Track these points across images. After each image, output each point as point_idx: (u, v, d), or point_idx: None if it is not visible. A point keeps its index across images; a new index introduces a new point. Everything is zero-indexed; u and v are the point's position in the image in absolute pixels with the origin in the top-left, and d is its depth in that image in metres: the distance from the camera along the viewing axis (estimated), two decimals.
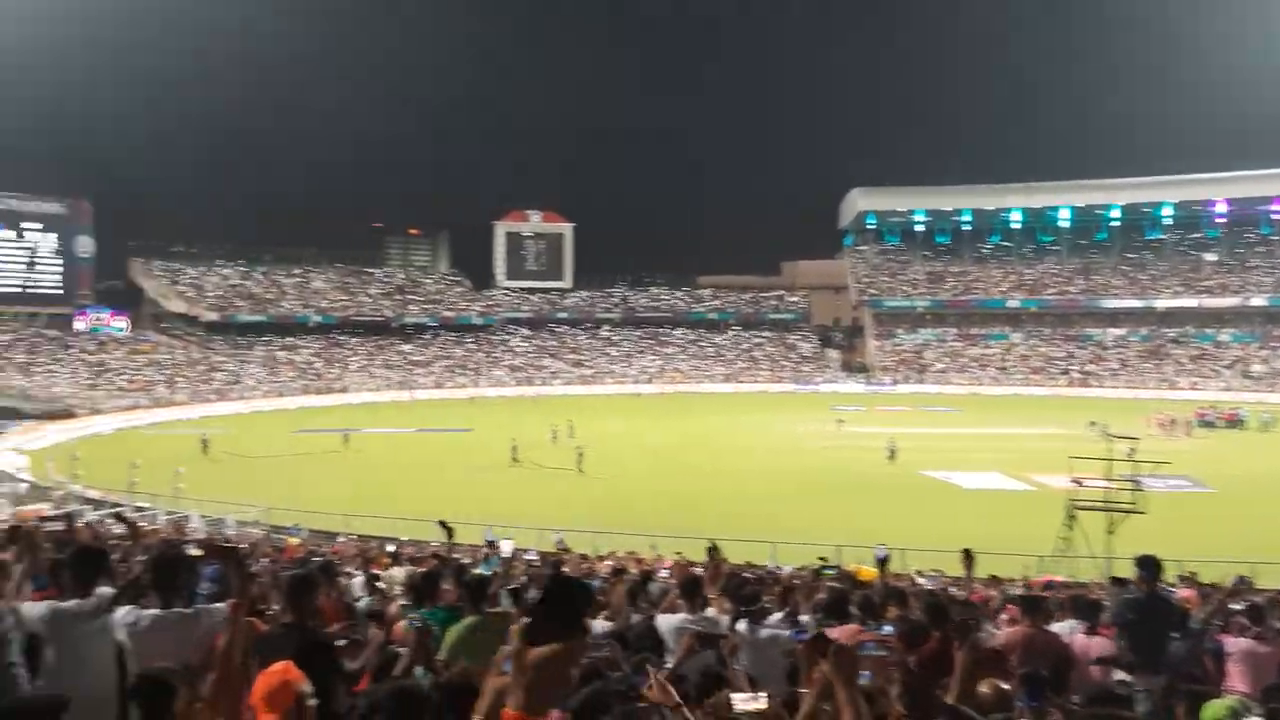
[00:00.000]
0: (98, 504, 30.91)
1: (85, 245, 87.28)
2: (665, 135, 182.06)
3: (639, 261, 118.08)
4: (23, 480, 35.80)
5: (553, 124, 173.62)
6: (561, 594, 3.22)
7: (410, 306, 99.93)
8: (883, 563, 12.00)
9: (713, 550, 8.44)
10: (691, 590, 6.89)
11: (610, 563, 17.90)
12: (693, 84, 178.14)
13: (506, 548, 18.86)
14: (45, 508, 28.04)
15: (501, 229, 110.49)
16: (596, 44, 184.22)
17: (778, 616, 7.20)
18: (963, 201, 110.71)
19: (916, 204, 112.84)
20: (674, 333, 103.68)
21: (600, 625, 7.24)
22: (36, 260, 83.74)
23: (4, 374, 63.81)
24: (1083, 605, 8.31)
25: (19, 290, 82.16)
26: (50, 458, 42.32)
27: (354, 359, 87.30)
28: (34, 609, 4.69)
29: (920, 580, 16.86)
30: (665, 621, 6.72)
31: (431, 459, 44.22)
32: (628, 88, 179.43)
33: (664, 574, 14.04)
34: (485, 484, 37.33)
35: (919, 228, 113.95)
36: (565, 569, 14.14)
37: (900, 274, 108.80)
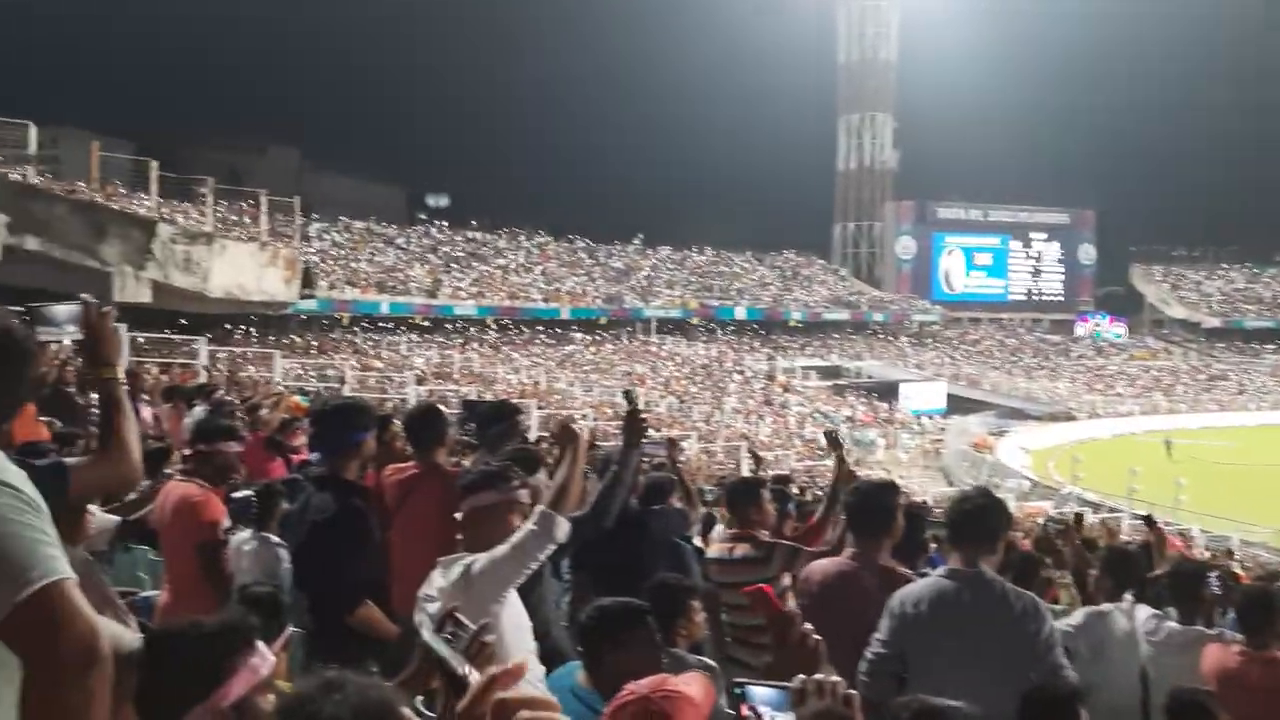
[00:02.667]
0: (1096, 506, 30.78)
1: (1087, 253, 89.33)
2: None
3: None
4: (1026, 477, 37.30)
5: None
6: None
7: None
8: None
9: None
10: None
11: None
12: None
13: None
14: (1046, 505, 28.64)
15: None
16: None
17: None
18: None
19: None
20: None
21: None
22: (1040, 269, 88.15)
23: (1010, 376, 68.01)
24: None
25: (1024, 297, 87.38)
26: (1051, 458, 43.59)
27: None
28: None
29: None
30: None
31: None
32: None
33: None
34: None
35: None
36: None
37: None
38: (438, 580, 3.02)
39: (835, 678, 1.65)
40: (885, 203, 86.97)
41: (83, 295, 2.48)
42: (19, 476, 1.72)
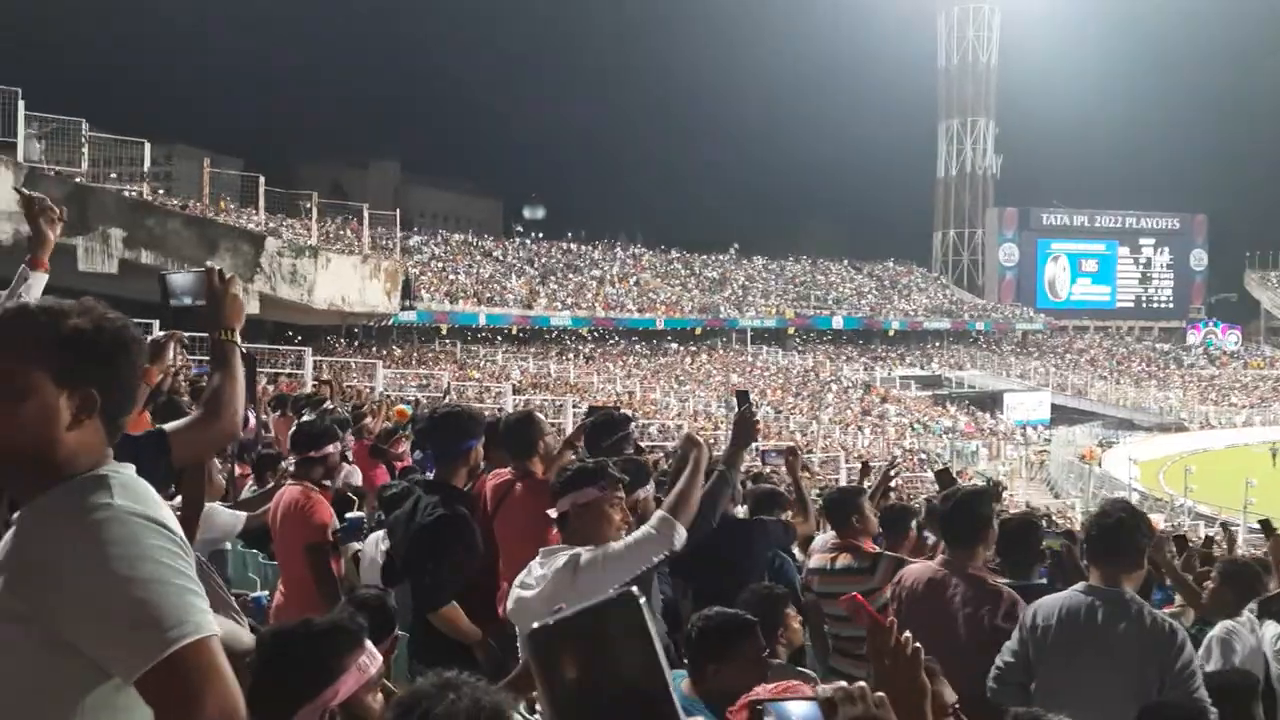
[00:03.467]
0: (1209, 519, 29.69)
1: (1199, 259, 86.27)
2: None
3: None
4: (1135, 489, 36.13)
5: None
6: None
7: None
8: None
9: None
10: None
11: None
12: None
13: None
14: (1157, 519, 27.66)
15: None
16: None
17: None
18: None
19: None
20: None
21: None
22: (1150, 275, 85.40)
23: (1118, 386, 65.92)
24: None
25: (1132, 305, 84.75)
26: (1161, 470, 42.14)
27: None
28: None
29: None
30: None
31: None
32: None
33: None
34: None
35: None
36: None
37: None
38: (537, 570, 3.04)
39: (861, 683, 1.58)
40: (987, 209, 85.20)
41: (207, 263, 2.54)
42: (170, 515, 1.63)
